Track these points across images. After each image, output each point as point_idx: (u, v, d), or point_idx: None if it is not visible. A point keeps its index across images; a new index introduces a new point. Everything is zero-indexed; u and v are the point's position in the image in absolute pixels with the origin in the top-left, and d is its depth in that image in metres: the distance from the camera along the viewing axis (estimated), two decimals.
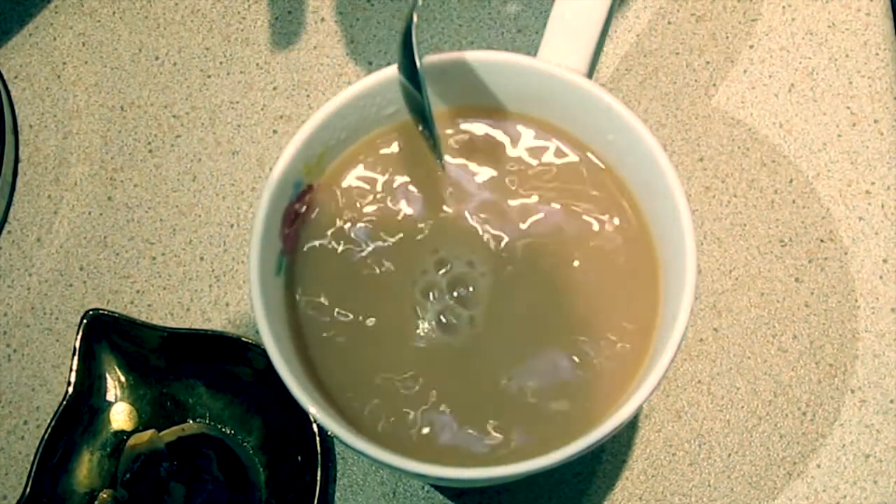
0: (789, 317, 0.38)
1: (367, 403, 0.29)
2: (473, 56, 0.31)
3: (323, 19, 0.45)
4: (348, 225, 0.31)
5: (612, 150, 0.31)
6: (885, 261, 0.39)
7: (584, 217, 0.31)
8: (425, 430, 0.29)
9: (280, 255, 0.30)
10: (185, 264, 0.41)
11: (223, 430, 0.38)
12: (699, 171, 0.41)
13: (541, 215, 0.31)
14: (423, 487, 0.37)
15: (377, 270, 0.31)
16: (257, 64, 0.44)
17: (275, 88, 0.44)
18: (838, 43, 0.42)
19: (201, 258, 0.41)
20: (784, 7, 0.43)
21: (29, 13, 0.46)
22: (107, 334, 0.38)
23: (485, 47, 0.43)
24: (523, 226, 0.31)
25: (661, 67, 0.42)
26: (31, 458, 0.37)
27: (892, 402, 0.37)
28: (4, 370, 0.40)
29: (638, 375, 0.29)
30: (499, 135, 0.32)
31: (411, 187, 0.32)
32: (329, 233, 0.31)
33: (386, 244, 0.31)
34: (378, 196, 0.32)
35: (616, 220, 0.31)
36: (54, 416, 0.37)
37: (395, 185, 0.32)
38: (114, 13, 0.46)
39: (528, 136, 0.32)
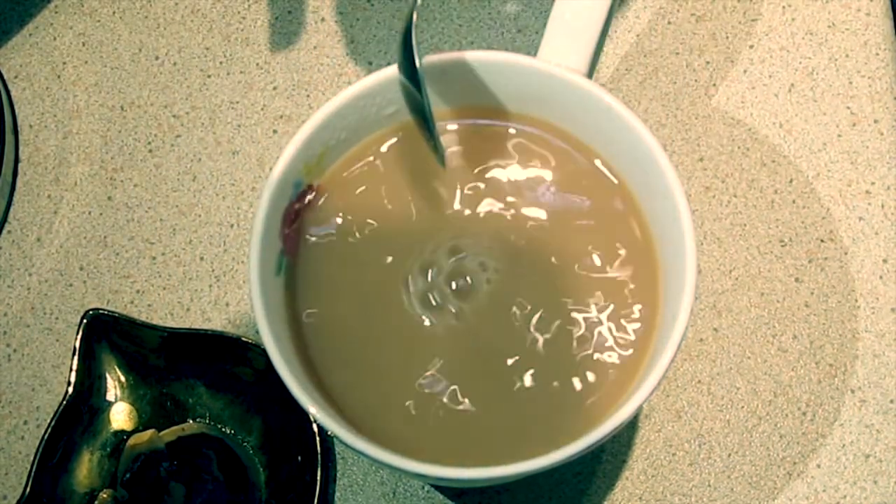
0: (789, 317, 0.38)
1: (367, 403, 0.29)
2: (473, 56, 0.31)
3: (323, 19, 0.45)
4: (348, 225, 0.31)
5: (611, 150, 0.31)
6: (885, 261, 0.39)
7: (585, 217, 0.31)
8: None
9: (280, 255, 0.30)
10: (185, 264, 0.41)
11: (223, 430, 0.38)
12: (699, 171, 0.41)
13: (541, 215, 0.31)
14: (423, 487, 0.37)
15: (377, 270, 0.31)
16: (257, 64, 0.44)
17: (275, 88, 0.44)
18: (838, 43, 0.42)
19: (201, 258, 0.41)
20: (784, 7, 0.43)
21: (29, 13, 0.46)
22: (107, 334, 0.38)
23: (485, 47, 0.43)
24: (523, 226, 0.31)
25: (661, 67, 0.42)
26: (31, 458, 0.37)
27: (892, 402, 0.37)
28: (4, 370, 0.40)
29: (638, 375, 0.29)
30: (499, 135, 0.32)
31: (411, 187, 0.32)
32: (329, 233, 0.31)
33: (386, 244, 0.31)
34: (378, 196, 0.32)
35: (616, 220, 0.31)
36: (54, 416, 0.37)
37: (395, 185, 0.32)
38: (114, 13, 0.46)
39: (527, 136, 0.32)
